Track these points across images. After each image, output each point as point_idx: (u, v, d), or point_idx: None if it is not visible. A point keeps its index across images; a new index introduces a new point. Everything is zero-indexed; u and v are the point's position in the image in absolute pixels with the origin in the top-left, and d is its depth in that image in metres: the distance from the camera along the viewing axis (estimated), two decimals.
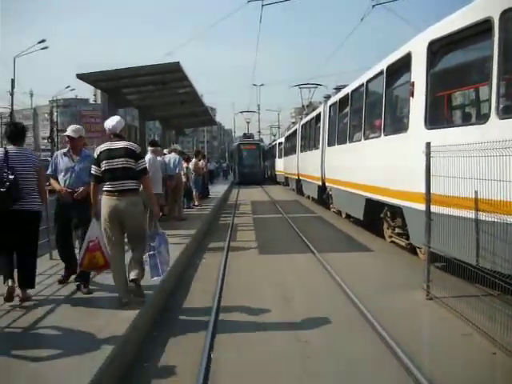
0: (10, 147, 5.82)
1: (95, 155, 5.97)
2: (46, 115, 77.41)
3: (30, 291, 5.91)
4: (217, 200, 21.31)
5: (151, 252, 5.86)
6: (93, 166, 5.93)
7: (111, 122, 6.07)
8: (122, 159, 5.78)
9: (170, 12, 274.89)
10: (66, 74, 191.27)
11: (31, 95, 77.52)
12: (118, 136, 6.01)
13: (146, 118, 15.95)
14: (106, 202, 5.81)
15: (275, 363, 4.87)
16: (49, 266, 7.39)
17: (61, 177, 6.43)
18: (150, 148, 11.50)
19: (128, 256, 6.07)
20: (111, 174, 5.78)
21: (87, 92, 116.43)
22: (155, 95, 13.21)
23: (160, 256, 5.89)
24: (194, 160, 18.41)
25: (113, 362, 4.29)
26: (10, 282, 5.54)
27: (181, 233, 10.96)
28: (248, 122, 60.67)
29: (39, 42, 43.04)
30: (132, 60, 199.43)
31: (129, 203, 5.78)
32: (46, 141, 71.03)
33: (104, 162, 5.80)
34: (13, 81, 40.76)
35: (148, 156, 10.57)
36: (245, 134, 52.36)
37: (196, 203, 17.69)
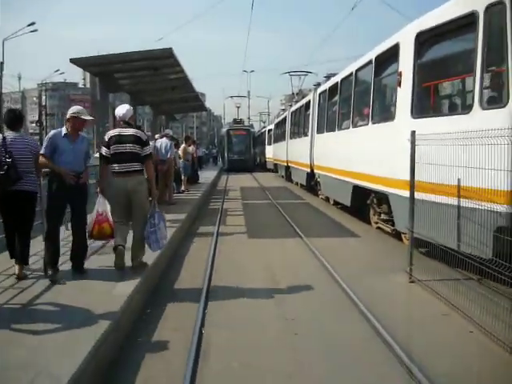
0: (8, 133, 6.11)
1: (106, 138, 6.69)
2: (35, 99, 76.92)
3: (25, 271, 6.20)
4: (206, 185, 21.46)
5: (152, 228, 6.49)
6: (103, 148, 6.64)
7: (122, 110, 6.76)
8: (131, 144, 6.51)
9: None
10: (56, 57, 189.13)
11: (19, 78, 76.82)
12: (127, 123, 6.72)
13: (137, 102, 16.06)
14: (114, 182, 6.55)
15: (264, 340, 5.11)
16: (42, 247, 7.55)
17: (62, 158, 6.23)
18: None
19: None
20: (120, 157, 6.50)
21: (76, 76, 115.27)
22: (147, 80, 13.31)
23: (159, 232, 6.55)
24: (183, 145, 18.50)
25: (109, 335, 4.52)
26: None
27: (171, 217, 11.13)
28: (238, 107, 59.34)
29: (28, 25, 42.76)
30: (122, 44, 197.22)
31: (135, 182, 6.52)
32: (34, 124, 70.55)
33: (114, 145, 6.51)
34: (1, 64, 40.40)
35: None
36: (235, 120, 50.07)
37: (183, 188, 17.83)
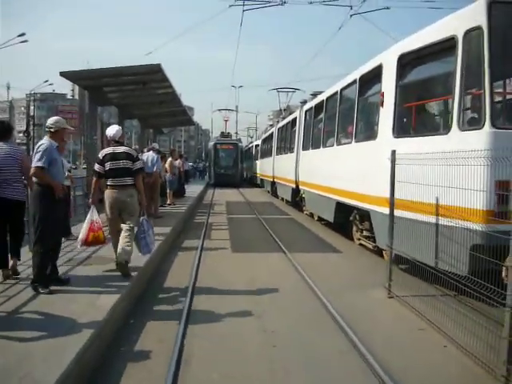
0: None
1: (100, 156, 7.51)
2: (23, 108, 76.58)
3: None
4: (192, 199, 21.55)
5: (142, 235, 7.29)
6: (96, 165, 7.46)
7: (112, 131, 7.58)
8: (124, 161, 7.37)
9: (151, 13, 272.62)
10: (45, 68, 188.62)
11: (8, 88, 76.60)
12: (118, 142, 7.56)
13: (125, 116, 16.20)
14: (109, 194, 7.37)
15: (244, 351, 5.21)
16: (29, 257, 7.63)
17: (55, 170, 6.31)
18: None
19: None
20: (115, 172, 7.34)
21: (65, 87, 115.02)
22: (135, 94, 13.45)
23: (148, 237, 7.38)
24: (169, 159, 18.58)
25: (93, 343, 4.62)
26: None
27: (156, 230, 11.20)
28: (226, 121, 57.07)
29: (19, 36, 42.78)
30: (111, 57, 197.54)
31: (128, 195, 7.36)
32: (21, 134, 70.28)
33: (109, 162, 7.34)
34: None
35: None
36: (222, 133, 48.47)
37: (168, 202, 17.89)
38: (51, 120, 6.59)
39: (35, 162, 6.11)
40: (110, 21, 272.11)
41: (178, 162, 20.21)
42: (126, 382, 4.45)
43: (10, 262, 6.72)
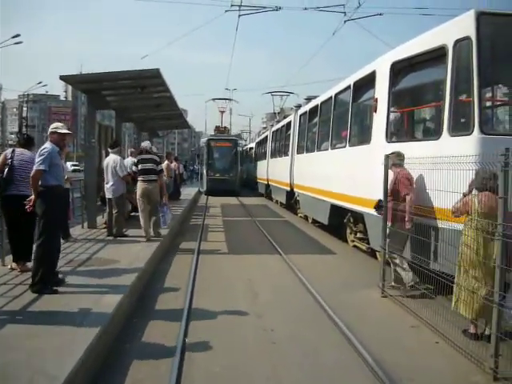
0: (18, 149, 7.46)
1: (136, 160, 11.35)
2: (15, 110, 76.40)
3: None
4: (187, 202, 21.71)
5: (161, 214, 11.10)
6: (133, 167, 11.34)
7: (144, 144, 11.62)
8: (150, 164, 10.96)
9: (145, 17, 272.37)
10: (37, 69, 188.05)
11: (0, 89, 76.41)
12: (147, 151, 11.26)
13: (122, 119, 16.38)
14: (141, 186, 10.89)
15: (244, 349, 5.44)
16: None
17: (57, 173, 6.60)
18: (111, 150, 11.40)
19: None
20: (144, 171, 10.89)
21: (55, 88, 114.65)
22: (133, 98, 13.64)
23: (167, 216, 11.26)
24: (165, 162, 18.71)
25: (101, 338, 4.89)
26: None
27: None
28: (222, 112, 42.92)
29: (13, 37, 42.79)
30: (105, 59, 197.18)
31: (153, 187, 10.93)
32: (13, 136, 70.14)
33: (140, 164, 10.94)
34: None
35: (116, 157, 11.02)
36: (217, 128, 38.25)
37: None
38: (53, 125, 6.92)
39: (37, 165, 6.34)
40: (103, 24, 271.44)
41: (173, 165, 20.38)
42: (134, 374, 4.69)
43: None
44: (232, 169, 31.86)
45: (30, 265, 6.99)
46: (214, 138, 34.02)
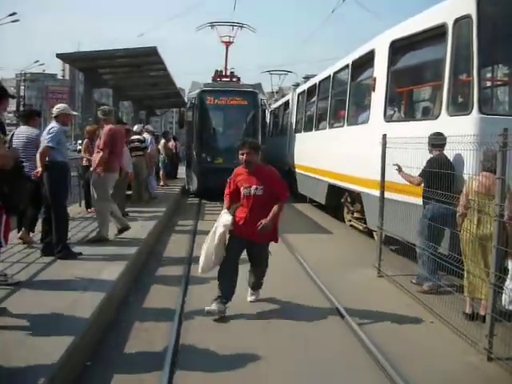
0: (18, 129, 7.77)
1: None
2: (13, 89, 75.91)
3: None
4: (184, 181, 21.59)
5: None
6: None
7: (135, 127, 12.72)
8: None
9: None
10: (34, 47, 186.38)
11: None
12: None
13: (119, 98, 16.30)
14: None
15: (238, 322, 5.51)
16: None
17: (64, 150, 7.15)
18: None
19: None
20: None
21: (56, 67, 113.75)
22: (130, 76, 13.56)
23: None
24: (162, 141, 18.64)
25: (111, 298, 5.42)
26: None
27: (151, 211, 11.47)
28: (227, 44, 22.36)
29: (10, 15, 42.20)
30: (102, 38, 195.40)
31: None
32: (11, 115, 69.84)
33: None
34: None
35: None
36: (218, 73, 20.51)
37: (162, 183, 17.96)
38: (60, 107, 7.31)
39: (46, 142, 6.78)
40: (100, 2, 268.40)
41: (171, 144, 20.30)
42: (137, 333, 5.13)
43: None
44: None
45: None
46: (211, 88, 17.61)
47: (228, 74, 20.58)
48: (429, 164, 6.40)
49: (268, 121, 15.82)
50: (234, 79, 19.78)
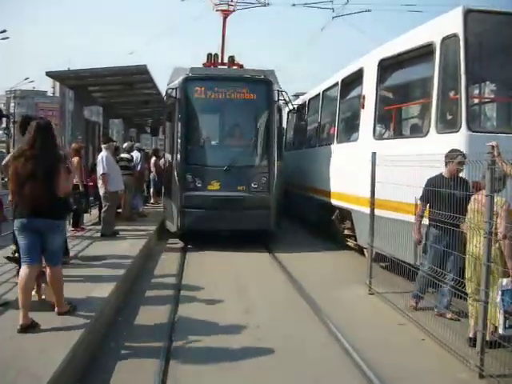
0: None
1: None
2: (2, 105, 75.61)
3: None
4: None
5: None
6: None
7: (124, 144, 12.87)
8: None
9: (131, 13, 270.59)
10: (24, 65, 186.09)
11: None
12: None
13: (109, 115, 16.31)
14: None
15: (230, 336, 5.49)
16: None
17: None
18: (103, 146, 10.83)
19: None
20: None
21: (46, 84, 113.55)
22: (120, 94, 13.58)
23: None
24: (153, 158, 18.54)
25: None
26: None
27: (141, 228, 11.41)
28: (225, 15, 16.05)
29: (0, 32, 42.19)
30: (93, 55, 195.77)
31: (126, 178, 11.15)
32: (0, 132, 69.44)
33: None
34: None
35: (102, 154, 10.52)
36: (210, 58, 13.24)
37: (152, 201, 17.84)
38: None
39: None
40: (90, 19, 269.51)
41: (161, 161, 20.17)
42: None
43: None
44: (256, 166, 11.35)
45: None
46: (201, 74, 11.84)
47: (226, 59, 13.88)
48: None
49: (286, 123, 11.48)
50: (235, 67, 13.29)
